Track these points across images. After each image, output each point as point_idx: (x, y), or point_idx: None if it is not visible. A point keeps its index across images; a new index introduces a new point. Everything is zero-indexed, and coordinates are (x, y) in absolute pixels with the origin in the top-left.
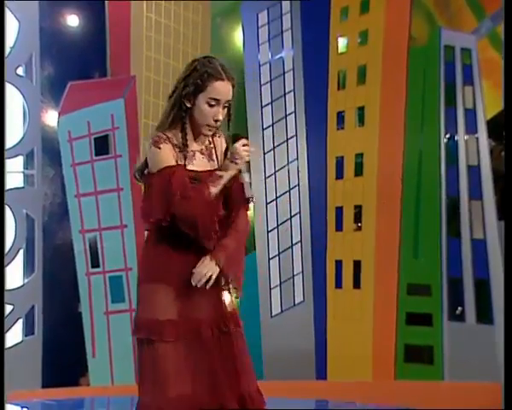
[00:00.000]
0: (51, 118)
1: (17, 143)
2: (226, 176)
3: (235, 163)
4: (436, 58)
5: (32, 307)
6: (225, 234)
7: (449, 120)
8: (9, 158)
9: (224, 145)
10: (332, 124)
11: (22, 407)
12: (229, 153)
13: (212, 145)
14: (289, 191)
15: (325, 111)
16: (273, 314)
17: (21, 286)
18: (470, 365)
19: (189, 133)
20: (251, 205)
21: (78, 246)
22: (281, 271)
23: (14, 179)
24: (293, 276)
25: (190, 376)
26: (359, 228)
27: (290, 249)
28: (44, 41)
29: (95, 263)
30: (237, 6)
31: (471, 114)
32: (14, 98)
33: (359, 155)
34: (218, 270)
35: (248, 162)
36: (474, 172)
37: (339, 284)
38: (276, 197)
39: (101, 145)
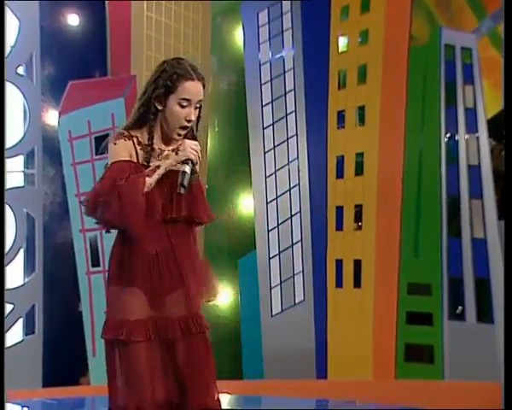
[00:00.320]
0: (52, 117)
1: (17, 143)
2: (163, 165)
3: (176, 153)
4: (436, 57)
5: (33, 307)
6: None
7: (449, 120)
8: (10, 157)
9: None
10: (332, 123)
11: (23, 407)
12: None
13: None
14: (290, 190)
15: (325, 110)
16: (273, 314)
17: (22, 285)
18: (470, 364)
19: (158, 136)
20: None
21: (78, 245)
22: (281, 270)
23: (14, 179)
24: (294, 275)
25: (162, 376)
26: (360, 227)
27: (290, 249)
28: (45, 40)
29: (95, 262)
30: (238, 5)
31: (471, 114)
32: (14, 98)
33: (360, 155)
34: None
35: (191, 161)
36: (474, 171)
37: (339, 284)
38: (277, 196)
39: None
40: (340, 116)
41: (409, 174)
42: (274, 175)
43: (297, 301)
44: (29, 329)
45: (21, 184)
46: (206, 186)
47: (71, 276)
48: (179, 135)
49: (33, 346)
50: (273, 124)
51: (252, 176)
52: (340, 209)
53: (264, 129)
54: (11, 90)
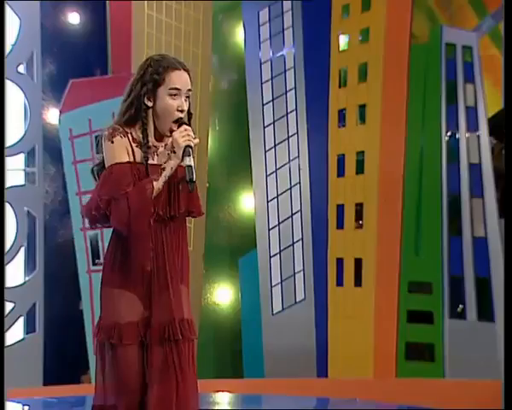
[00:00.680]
0: (52, 116)
1: (18, 141)
2: (168, 167)
3: (174, 152)
4: (437, 56)
5: (34, 305)
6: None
7: (450, 118)
8: (11, 156)
9: None
10: (333, 122)
11: (23, 405)
12: (169, 143)
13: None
14: (290, 189)
15: (326, 109)
16: (274, 312)
17: (23, 284)
18: (471, 362)
19: (151, 133)
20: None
21: (79, 243)
22: (282, 268)
23: (15, 177)
24: (295, 274)
25: (151, 378)
26: (360, 226)
27: (291, 247)
28: (46, 39)
29: (96, 261)
30: (238, 4)
31: (472, 112)
32: (15, 96)
33: (360, 153)
34: None
35: (189, 147)
36: (475, 169)
37: (340, 282)
38: (278, 195)
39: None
40: (341, 115)
41: (409, 173)
42: (275, 174)
43: (298, 300)
44: (30, 327)
45: (22, 182)
46: (207, 185)
47: (71, 274)
48: (171, 131)
49: (34, 344)
50: (274, 122)
51: (252, 174)
52: (340, 208)
53: (264, 127)
54: (12, 89)
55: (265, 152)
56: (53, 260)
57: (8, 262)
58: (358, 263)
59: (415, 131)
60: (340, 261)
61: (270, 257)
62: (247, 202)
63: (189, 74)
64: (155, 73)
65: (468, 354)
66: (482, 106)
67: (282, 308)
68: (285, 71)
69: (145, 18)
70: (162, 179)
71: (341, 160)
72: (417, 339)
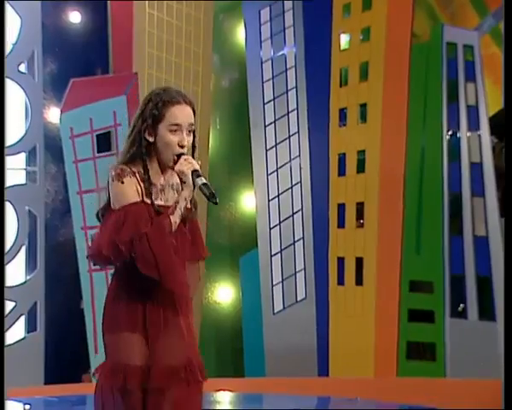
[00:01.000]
0: (53, 115)
1: (19, 140)
2: (181, 199)
3: (184, 182)
4: (438, 55)
5: (35, 304)
6: None
7: (451, 117)
8: (12, 155)
9: None
10: (334, 121)
11: (24, 404)
12: (174, 182)
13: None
14: (291, 188)
15: (327, 108)
16: (275, 311)
17: (24, 283)
18: (472, 362)
19: (155, 168)
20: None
21: (80, 243)
22: (283, 268)
23: (16, 176)
24: (296, 273)
25: None
26: (361, 225)
27: (292, 246)
28: (46, 38)
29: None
30: (239, 3)
31: (473, 111)
32: (16, 95)
33: (361, 152)
34: None
35: (196, 170)
36: (476, 168)
37: (341, 281)
38: (279, 194)
39: (104, 142)
40: (342, 114)
41: (410, 172)
42: (276, 173)
43: (299, 299)
44: (31, 326)
45: (23, 181)
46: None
47: (72, 273)
48: (174, 162)
49: (35, 343)
50: (275, 121)
51: (253, 174)
52: (341, 207)
53: (265, 127)
54: (13, 88)
55: (266, 151)
56: (54, 259)
57: (9, 261)
58: (359, 262)
59: (416, 130)
60: (341, 260)
61: (271, 256)
62: (247, 201)
63: (192, 107)
64: (155, 108)
65: (469, 353)
66: (483, 105)
67: (283, 307)
68: (286, 70)
69: (146, 17)
70: (178, 213)
71: (342, 159)
72: (418, 338)
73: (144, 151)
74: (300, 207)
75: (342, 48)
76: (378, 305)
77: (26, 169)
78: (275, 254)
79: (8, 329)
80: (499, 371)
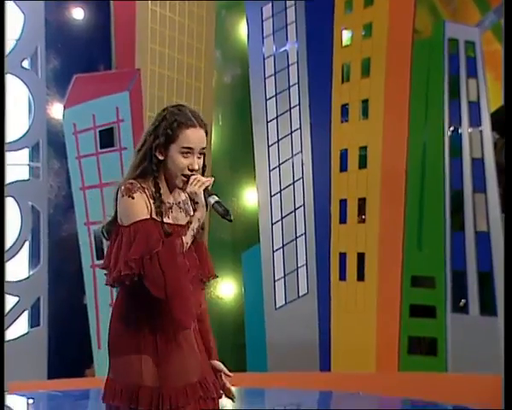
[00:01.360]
0: (56, 110)
1: (22, 136)
2: (195, 220)
3: (196, 202)
4: (440, 51)
5: (38, 299)
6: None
7: (453, 113)
8: (15, 150)
9: None
10: (336, 117)
11: (28, 398)
12: (182, 201)
13: (188, 200)
14: (293, 184)
15: (329, 104)
16: (277, 306)
17: (27, 278)
18: (474, 357)
19: (164, 186)
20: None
21: (83, 238)
22: (285, 263)
23: (19, 172)
24: (298, 268)
25: None
26: (363, 220)
27: (294, 242)
28: (50, 34)
29: (100, 255)
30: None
31: (475, 107)
32: (19, 91)
33: (363, 148)
34: None
35: (206, 188)
36: (477, 164)
37: (343, 277)
38: (281, 190)
39: (106, 138)
40: (344, 110)
41: (412, 167)
42: (278, 168)
43: (301, 294)
44: (34, 321)
45: (26, 177)
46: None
47: (76, 269)
48: (183, 183)
49: (38, 338)
50: (277, 117)
51: (256, 169)
52: (343, 202)
53: (267, 122)
54: (16, 84)
55: (268, 147)
56: (57, 254)
57: (13, 256)
58: (361, 257)
59: (417, 126)
60: (343, 256)
61: (274, 251)
62: (250, 197)
63: (205, 130)
64: (169, 127)
65: (470, 348)
66: (485, 101)
67: (285, 302)
68: (288, 66)
69: (149, 13)
70: (190, 233)
71: (344, 155)
72: (420, 333)
73: (155, 168)
74: (302, 203)
75: (344, 44)
76: (380, 300)
77: (29, 165)
78: (277, 250)
79: (11, 324)
80: (500, 366)
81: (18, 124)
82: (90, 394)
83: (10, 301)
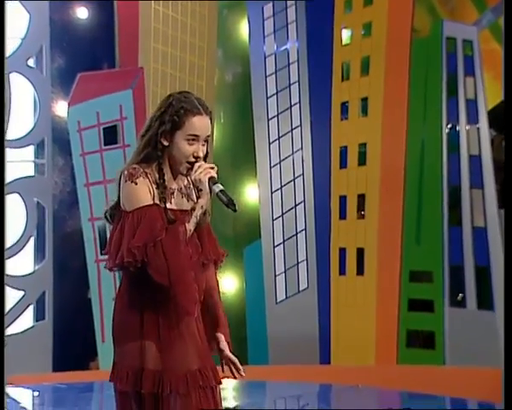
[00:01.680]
0: (61, 108)
1: (28, 133)
2: (198, 207)
3: (200, 190)
4: (438, 49)
5: (43, 293)
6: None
7: (451, 111)
8: (20, 147)
9: None
10: (336, 114)
11: (33, 390)
12: (183, 187)
13: (191, 185)
14: (294, 180)
15: (329, 102)
16: (278, 301)
17: (32, 273)
18: (471, 350)
19: (168, 172)
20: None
21: (87, 234)
22: (286, 258)
23: (25, 168)
24: (298, 263)
25: None
26: (362, 216)
27: (295, 237)
28: (54, 33)
29: (104, 250)
30: None
31: (472, 105)
32: (25, 89)
33: (363, 145)
34: None
35: (212, 177)
36: (475, 161)
37: (342, 271)
38: (281, 186)
39: (110, 135)
40: (344, 107)
41: (411, 164)
42: (279, 165)
43: (301, 289)
44: (39, 315)
45: (32, 173)
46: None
47: (80, 264)
48: (188, 169)
49: (44, 332)
50: (278, 115)
51: (257, 166)
52: (343, 199)
53: (268, 120)
54: (22, 82)
55: (269, 144)
56: (62, 249)
57: (18, 252)
58: (360, 252)
59: (416, 123)
60: (342, 251)
61: (274, 247)
62: (251, 193)
63: (210, 118)
64: (175, 114)
65: (467, 341)
66: (482, 99)
67: (286, 297)
68: (289, 64)
69: (152, 13)
70: (193, 220)
71: (344, 152)
72: (418, 327)
73: (160, 154)
74: (303, 199)
75: (344, 43)
76: (379, 294)
77: (34, 162)
78: (278, 245)
79: (17, 318)
80: (497, 360)
81: (23, 121)
82: (94, 386)
83: (16, 295)
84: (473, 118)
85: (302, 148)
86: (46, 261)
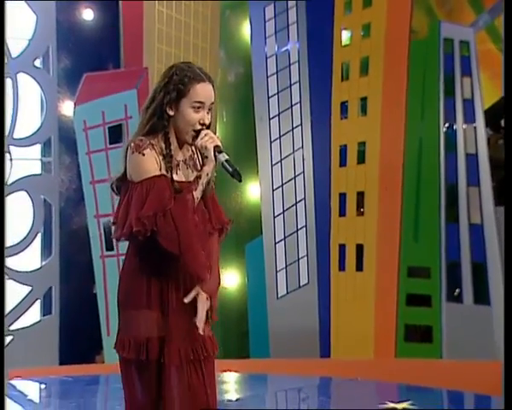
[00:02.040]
0: (67, 108)
1: (35, 132)
2: (203, 174)
3: (206, 157)
4: (436, 50)
5: (50, 289)
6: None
7: (448, 110)
8: (27, 146)
9: None
10: (336, 114)
11: (40, 383)
12: (188, 158)
13: (195, 155)
14: (295, 178)
15: (329, 101)
16: (279, 296)
17: (39, 268)
18: (467, 344)
19: (174, 142)
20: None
21: (93, 230)
22: (286, 254)
23: (32, 166)
24: (299, 259)
25: (177, 396)
26: (362, 213)
27: (295, 234)
28: (61, 34)
29: (109, 246)
30: (245, 0)
31: (469, 105)
32: (32, 89)
33: (362, 144)
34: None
35: (217, 146)
36: (471, 159)
37: (342, 267)
38: (282, 184)
39: (115, 134)
40: (344, 107)
41: (409, 162)
42: (280, 163)
43: (302, 284)
44: (46, 310)
45: (39, 171)
46: (215, 174)
47: (86, 259)
48: (193, 138)
49: (50, 326)
50: (279, 114)
51: (258, 164)
52: (343, 196)
53: (270, 119)
54: (29, 82)
55: (271, 143)
56: (68, 245)
57: (26, 248)
58: (360, 249)
59: (414, 122)
60: (342, 247)
61: (276, 243)
62: (253, 191)
63: (213, 86)
64: (180, 83)
65: (464, 335)
66: (479, 98)
67: (287, 292)
68: (289, 65)
69: (156, 14)
70: (200, 188)
71: (343, 150)
72: (416, 321)
73: (166, 124)
74: (303, 197)
75: (343, 44)
76: (377, 290)
77: (41, 160)
78: (279, 242)
79: (24, 312)
80: (493, 353)
81: (30, 121)
82: (99, 379)
83: (23, 290)
84: (469, 117)
85: (303, 146)
86: (53, 257)
